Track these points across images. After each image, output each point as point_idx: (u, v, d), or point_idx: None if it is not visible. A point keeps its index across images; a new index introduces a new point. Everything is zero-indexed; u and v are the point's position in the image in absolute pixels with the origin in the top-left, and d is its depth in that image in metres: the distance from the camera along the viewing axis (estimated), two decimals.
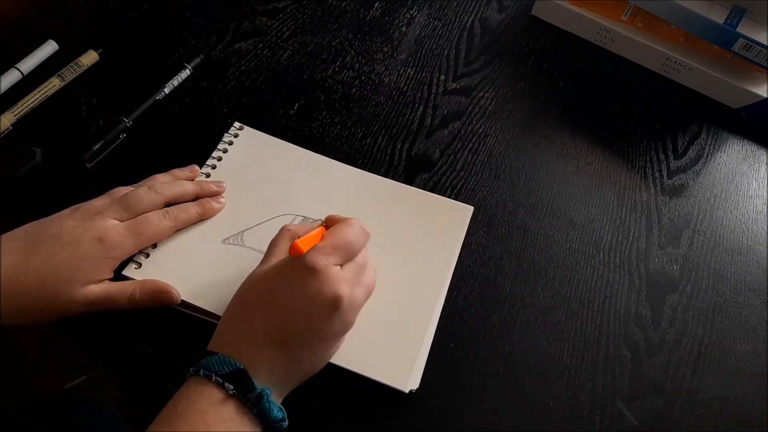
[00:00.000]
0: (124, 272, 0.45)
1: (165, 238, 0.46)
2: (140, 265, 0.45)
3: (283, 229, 0.43)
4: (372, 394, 0.42)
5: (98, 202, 0.44)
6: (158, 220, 0.45)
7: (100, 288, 0.42)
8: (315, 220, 0.45)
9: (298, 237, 0.42)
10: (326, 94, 0.60)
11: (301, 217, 0.50)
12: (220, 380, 0.35)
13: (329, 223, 0.43)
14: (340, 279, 0.38)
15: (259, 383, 0.36)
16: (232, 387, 0.35)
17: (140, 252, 0.45)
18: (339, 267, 0.39)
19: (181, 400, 0.36)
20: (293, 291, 0.38)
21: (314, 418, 0.42)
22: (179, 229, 0.47)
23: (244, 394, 0.35)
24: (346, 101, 0.59)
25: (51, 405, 0.58)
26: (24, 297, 0.40)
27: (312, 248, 0.38)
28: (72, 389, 0.98)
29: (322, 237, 0.40)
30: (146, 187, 0.46)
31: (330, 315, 0.38)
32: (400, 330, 0.45)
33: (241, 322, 0.39)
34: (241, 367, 0.36)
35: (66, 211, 0.44)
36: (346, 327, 0.40)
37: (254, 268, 0.41)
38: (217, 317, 0.43)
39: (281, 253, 0.41)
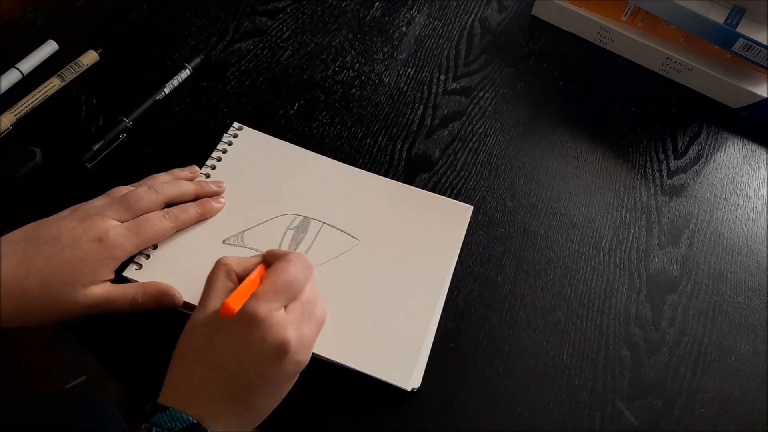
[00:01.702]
0: (125, 273, 0.44)
1: (165, 239, 0.46)
2: (141, 266, 0.45)
3: (218, 264, 0.39)
4: (372, 393, 0.42)
5: (98, 202, 0.44)
6: (158, 221, 0.45)
7: (101, 290, 0.42)
8: (255, 255, 0.42)
9: (234, 274, 0.39)
10: (326, 94, 0.60)
11: (301, 217, 0.50)
12: None
13: (269, 258, 0.40)
14: (286, 324, 0.36)
15: None
16: None
17: (140, 253, 0.45)
18: (282, 310, 0.37)
19: None
20: (237, 344, 0.36)
21: (314, 418, 0.42)
22: (179, 229, 0.47)
23: None
24: (346, 101, 0.59)
25: (51, 403, 0.58)
26: (25, 300, 0.39)
27: (251, 296, 0.36)
28: (72, 389, 0.98)
29: (261, 278, 0.38)
30: (146, 187, 0.46)
31: (280, 362, 0.36)
32: (401, 328, 0.45)
33: (189, 373, 0.37)
34: (195, 421, 0.34)
35: (66, 212, 0.43)
36: (299, 366, 0.38)
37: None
38: None
39: (219, 290, 0.38)
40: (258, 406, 0.38)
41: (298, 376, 0.39)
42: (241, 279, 0.39)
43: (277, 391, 0.38)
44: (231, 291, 0.38)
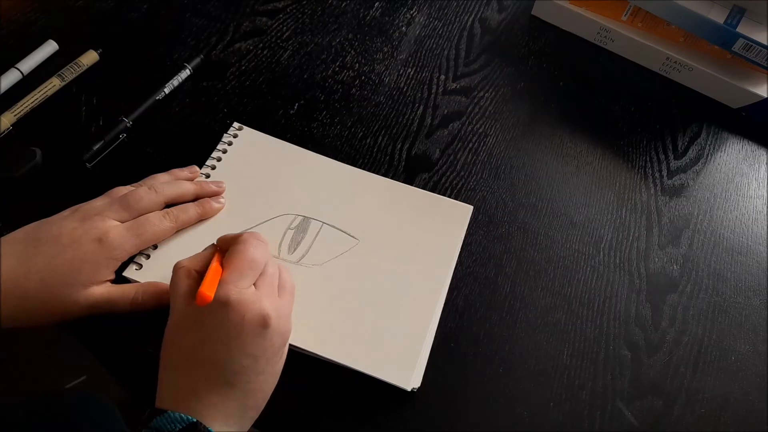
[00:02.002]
0: (125, 273, 0.44)
1: (165, 239, 0.46)
2: (141, 266, 0.45)
3: (176, 268, 0.40)
4: (372, 393, 0.42)
5: (98, 202, 0.44)
6: (158, 221, 0.45)
7: (101, 291, 0.42)
8: (206, 248, 0.42)
9: (195, 272, 0.39)
10: (326, 94, 0.60)
11: (301, 217, 0.50)
12: None
13: (222, 245, 0.41)
14: (260, 298, 0.37)
15: (216, 429, 0.35)
16: None
17: (140, 253, 0.45)
18: (252, 287, 0.38)
19: None
20: (219, 332, 0.36)
21: (314, 418, 0.42)
22: (179, 229, 0.47)
23: None
24: (346, 101, 0.59)
25: (51, 403, 0.58)
26: (25, 300, 0.39)
27: (219, 283, 0.37)
28: (72, 389, 0.99)
29: (221, 264, 0.39)
30: (146, 187, 0.46)
31: (265, 335, 0.37)
32: (401, 328, 0.45)
33: (179, 372, 0.37)
34: (194, 420, 0.35)
35: (66, 212, 0.43)
36: (285, 336, 0.39)
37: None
38: None
39: (184, 293, 0.38)
40: (254, 387, 0.38)
41: (287, 347, 0.40)
42: (201, 275, 0.39)
43: (269, 367, 0.38)
44: (195, 289, 0.38)
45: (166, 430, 0.34)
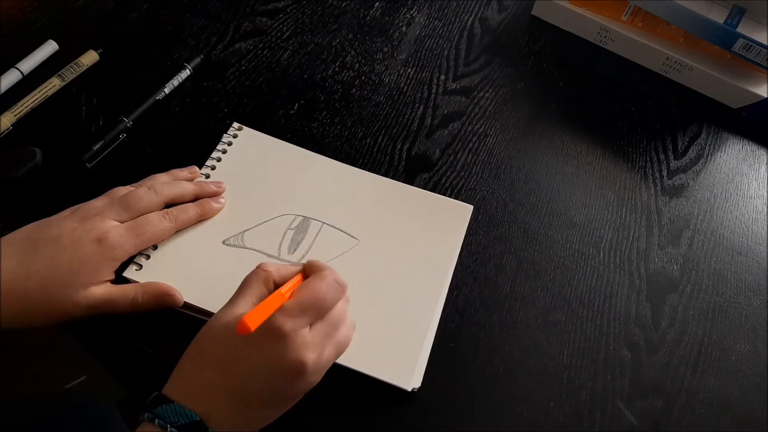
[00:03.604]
0: (125, 274, 0.44)
1: (165, 239, 0.46)
2: (141, 267, 0.45)
3: (258, 269, 0.39)
4: (372, 393, 0.42)
5: (97, 202, 0.44)
6: (158, 221, 0.45)
7: (101, 291, 0.42)
8: (294, 264, 0.42)
9: (273, 280, 0.39)
10: (326, 94, 0.60)
11: (302, 217, 0.50)
12: (175, 431, 0.34)
13: (307, 270, 0.40)
14: (307, 344, 0.36)
15: None
16: None
17: (140, 254, 0.45)
18: (307, 329, 0.37)
19: None
20: (256, 353, 0.36)
21: (315, 418, 0.42)
22: (179, 229, 0.47)
23: None
24: (346, 101, 0.59)
25: (51, 403, 0.58)
26: (26, 301, 0.39)
27: (280, 310, 0.36)
28: (72, 389, 0.98)
29: (293, 291, 0.38)
30: (146, 188, 0.46)
31: (293, 380, 0.36)
32: (402, 329, 0.45)
33: (200, 370, 0.37)
34: (198, 419, 0.34)
35: (65, 213, 0.43)
36: (309, 387, 0.38)
37: (227, 302, 0.38)
38: None
39: (252, 296, 0.38)
40: (262, 416, 0.38)
41: (301, 397, 0.39)
42: (277, 287, 0.39)
43: (283, 406, 0.38)
44: (264, 298, 0.37)
45: (169, 421, 0.34)
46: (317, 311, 0.37)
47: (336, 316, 0.38)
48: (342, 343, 0.40)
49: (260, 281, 0.39)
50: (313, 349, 0.36)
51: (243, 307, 0.37)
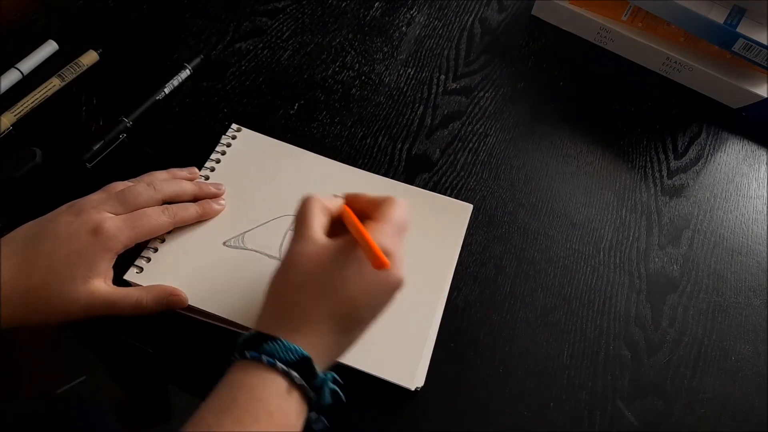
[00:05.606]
0: (126, 277, 0.44)
1: (162, 234, 0.46)
2: (141, 269, 0.45)
3: (312, 198, 0.39)
4: (373, 393, 0.42)
5: (94, 196, 0.44)
6: (156, 215, 0.44)
7: (102, 290, 0.41)
8: (335, 195, 0.42)
9: (329, 210, 0.39)
10: (326, 94, 0.60)
11: None
12: (285, 368, 0.33)
13: (352, 202, 0.41)
14: (402, 263, 0.37)
15: (318, 370, 0.35)
16: (298, 376, 0.33)
17: (141, 256, 0.45)
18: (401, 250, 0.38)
19: (240, 388, 0.33)
20: (362, 278, 0.36)
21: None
22: (177, 227, 0.46)
23: (308, 383, 0.34)
24: (346, 101, 0.59)
25: (45, 407, 0.57)
26: (28, 298, 0.39)
27: (381, 233, 0.36)
28: (72, 389, 0.99)
29: (372, 215, 0.39)
30: (144, 184, 0.46)
31: (390, 299, 0.37)
32: (404, 328, 0.45)
33: (299, 302, 0.36)
34: (307, 355, 0.34)
35: (62, 208, 0.43)
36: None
37: (288, 244, 0.38)
38: (221, 320, 0.43)
39: (318, 224, 0.38)
40: (352, 340, 0.38)
41: None
42: (331, 213, 0.39)
43: (371, 325, 0.38)
44: (325, 226, 0.38)
45: (279, 358, 0.33)
46: (405, 230, 0.39)
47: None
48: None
49: (319, 210, 0.39)
50: (402, 266, 0.37)
51: (320, 234, 0.37)
